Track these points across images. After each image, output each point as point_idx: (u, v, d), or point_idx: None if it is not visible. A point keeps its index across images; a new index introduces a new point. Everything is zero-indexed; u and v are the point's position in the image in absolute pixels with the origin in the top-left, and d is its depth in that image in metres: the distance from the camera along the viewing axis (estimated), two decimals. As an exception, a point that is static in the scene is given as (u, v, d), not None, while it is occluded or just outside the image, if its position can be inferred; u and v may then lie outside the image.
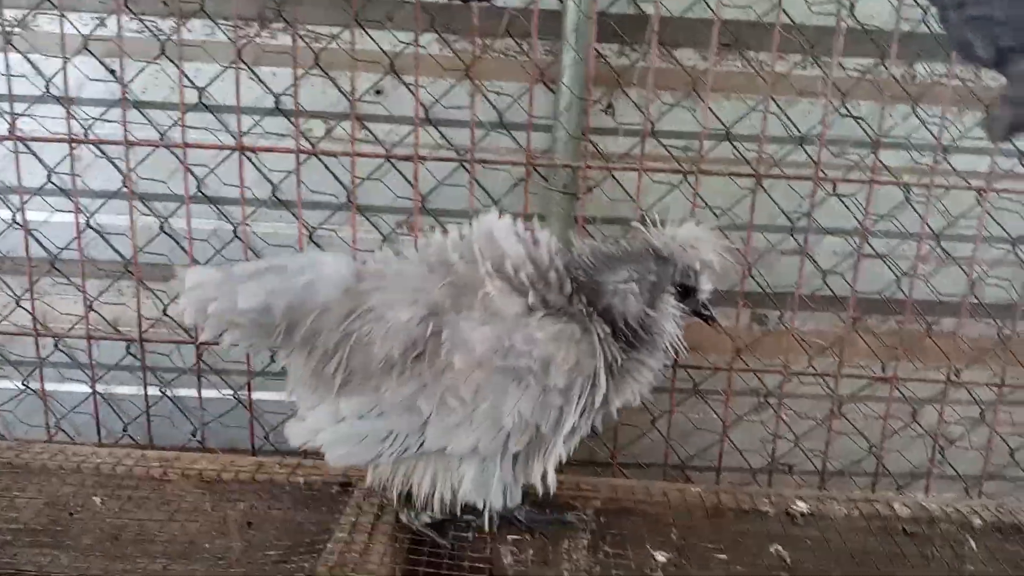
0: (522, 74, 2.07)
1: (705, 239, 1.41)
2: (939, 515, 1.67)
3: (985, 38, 0.71)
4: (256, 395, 2.23)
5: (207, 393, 2.08)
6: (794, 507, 1.67)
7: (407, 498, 1.52)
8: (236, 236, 2.05)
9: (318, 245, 2.08)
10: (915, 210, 2.02)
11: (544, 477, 1.45)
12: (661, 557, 1.50)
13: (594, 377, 1.36)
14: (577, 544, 1.57)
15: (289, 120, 2.05)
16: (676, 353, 1.45)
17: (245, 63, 1.96)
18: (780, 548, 1.54)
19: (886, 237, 2.06)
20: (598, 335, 1.37)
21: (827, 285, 2.00)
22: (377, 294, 1.39)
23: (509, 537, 1.56)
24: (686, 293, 1.43)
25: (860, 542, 1.60)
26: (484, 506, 1.46)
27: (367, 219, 2.12)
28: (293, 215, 2.09)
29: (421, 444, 1.38)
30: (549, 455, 1.43)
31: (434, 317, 1.34)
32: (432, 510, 1.48)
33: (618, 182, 2.03)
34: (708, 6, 1.98)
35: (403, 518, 1.55)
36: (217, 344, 1.45)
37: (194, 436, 2.16)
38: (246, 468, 1.71)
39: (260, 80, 2.02)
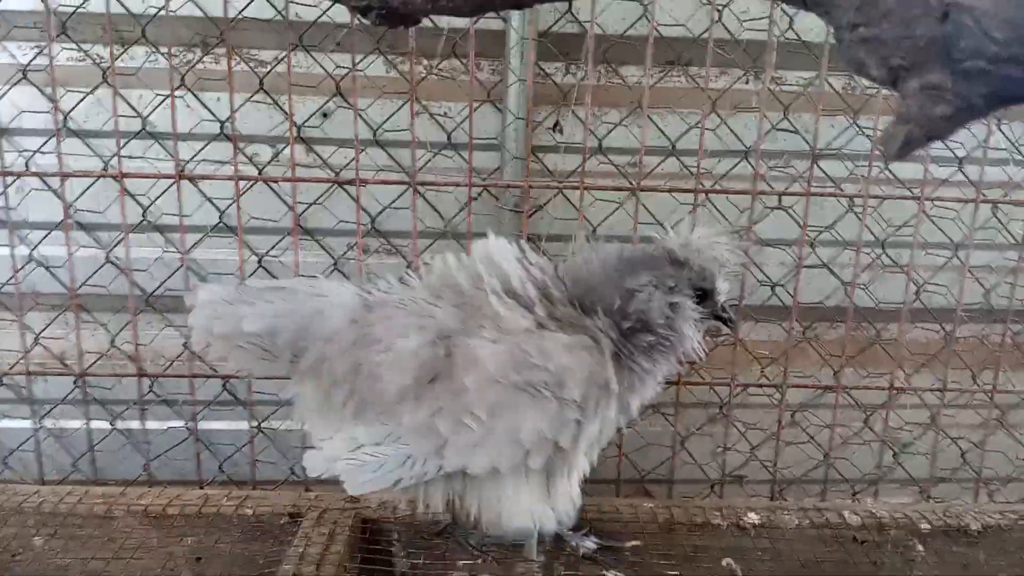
0: (467, 95, 2.08)
1: (720, 241, 1.41)
2: (888, 521, 1.68)
3: (877, 58, 0.73)
4: (208, 425, 2.20)
5: (157, 425, 2.04)
6: (746, 519, 1.67)
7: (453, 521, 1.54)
8: (182, 264, 2.03)
9: (268, 271, 2.06)
10: (859, 219, 2.06)
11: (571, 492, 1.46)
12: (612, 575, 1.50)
13: (607, 386, 1.36)
14: (531, 567, 1.56)
15: (235, 145, 2.05)
16: (695, 359, 1.45)
17: (189, 88, 1.95)
18: (732, 561, 1.55)
19: (832, 246, 2.08)
20: (610, 341, 1.36)
21: (776, 296, 2.02)
22: (384, 323, 1.38)
23: (460, 562, 1.55)
24: (704, 297, 1.42)
25: (811, 551, 1.61)
26: (536, 529, 1.46)
27: (318, 243, 2.11)
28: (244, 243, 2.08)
29: (440, 467, 1.37)
30: (572, 470, 1.43)
31: (444, 340, 1.34)
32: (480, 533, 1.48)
33: (568, 199, 2.04)
34: (649, 22, 2.00)
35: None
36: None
37: (145, 470, 2.12)
38: (193, 502, 1.68)
39: (204, 105, 2.00)
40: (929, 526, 1.68)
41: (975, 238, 2.00)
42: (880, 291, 2.11)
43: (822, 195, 1.85)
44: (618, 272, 1.40)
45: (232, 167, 1.82)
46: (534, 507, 1.43)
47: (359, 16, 1.14)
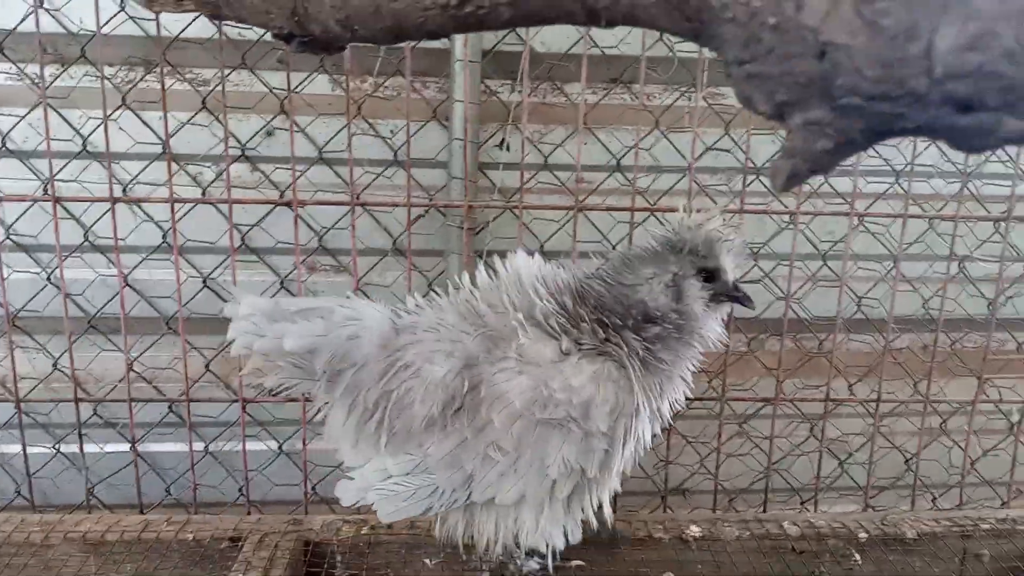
0: (415, 112, 2.09)
1: (715, 217, 1.39)
2: (827, 531, 1.71)
3: (763, 93, 0.75)
4: (157, 448, 2.18)
5: (100, 449, 2.01)
6: (688, 532, 1.69)
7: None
8: (127, 284, 2.01)
9: (214, 292, 2.05)
10: (801, 233, 2.10)
11: (600, 510, 1.46)
12: (554, 593, 1.51)
13: (636, 411, 1.36)
14: (477, 585, 1.56)
15: (169, 165, 2.04)
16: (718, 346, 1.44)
17: (129, 107, 1.94)
18: (672, 575, 1.56)
19: (770, 260, 2.12)
20: (635, 356, 1.36)
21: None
22: (413, 348, 1.39)
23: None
24: (711, 277, 1.40)
25: (751, 563, 1.64)
26: (547, 548, 1.47)
27: (263, 261, 2.10)
28: (187, 261, 2.07)
29: (468, 496, 1.38)
30: (602, 491, 1.43)
31: (470, 369, 1.35)
32: (501, 554, 1.49)
33: (516, 216, 2.05)
34: (595, 44, 2.02)
35: (511, 567, 1.56)
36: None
37: (91, 493, 2.09)
38: (132, 527, 1.66)
39: (146, 124, 1.99)
40: (867, 535, 1.72)
41: (910, 251, 2.04)
42: (823, 303, 2.15)
43: (754, 212, 1.87)
44: (624, 275, 1.41)
45: (183, 186, 1.80)
46: (550, 529, 1.43)
47: (282, 43, 1.14)
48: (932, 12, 0.65)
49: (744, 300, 1.42)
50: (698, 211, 1.40)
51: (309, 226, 2.08)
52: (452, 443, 1.35)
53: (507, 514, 1.41)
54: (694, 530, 1.70)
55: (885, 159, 2.03)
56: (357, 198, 2.02)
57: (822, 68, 0.70)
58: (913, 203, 2.11)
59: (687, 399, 1.90)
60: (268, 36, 1.87)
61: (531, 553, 1.56)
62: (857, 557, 1.67)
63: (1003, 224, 1.94)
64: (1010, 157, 1.98)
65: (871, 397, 1.87)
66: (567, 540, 1.47)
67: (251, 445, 2.15)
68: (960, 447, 2.03)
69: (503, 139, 2.14)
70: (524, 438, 1.32)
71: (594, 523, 1.47)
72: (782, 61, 0.72)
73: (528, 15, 0.90)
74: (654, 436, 1.45)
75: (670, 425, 2.07)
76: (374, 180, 2.05)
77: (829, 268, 2.13)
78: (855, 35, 0.67)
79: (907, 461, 2.22)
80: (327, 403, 1.46)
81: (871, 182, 2.13)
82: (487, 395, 1.33)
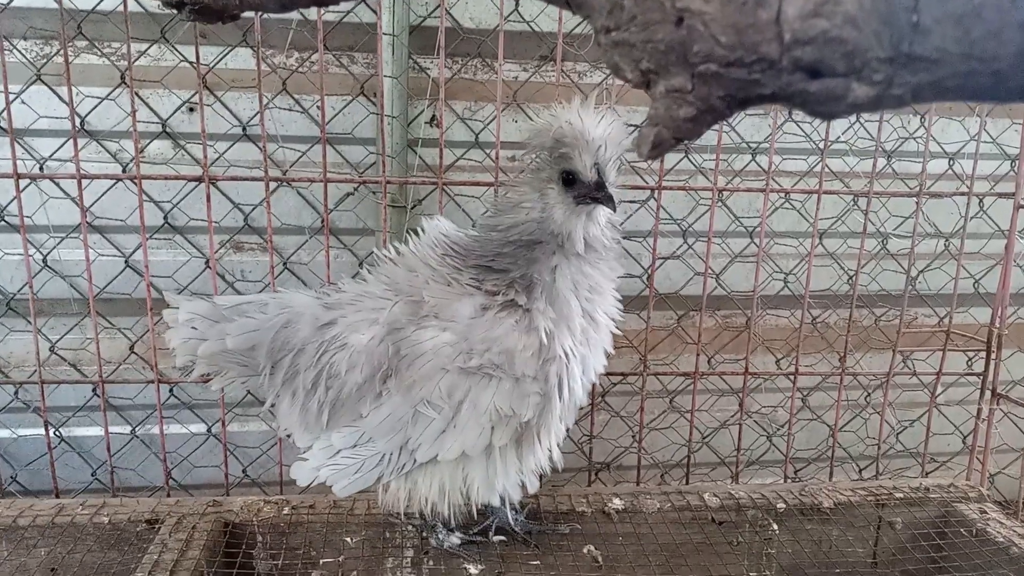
0: (343, 88, 2.06)
1: (585, 110, 1.27)
2: (746, 502, 1.74)
3: (629, 61, 0.74)
4: (79, 431, 2.14)
5: (24, 433, 1.97)
6: (610, 505, 1.71)
7: (428, 519, 1.56)
8: (46, 264, 1.96)
9: (135, 270, 2.00)
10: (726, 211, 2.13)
11: (551, 455, 1.46)
12: (474, 569, 1.51)
13: (565, 355, 1.35)
14: (402, 562, 1.56)
15: (99, 143, 1.99)
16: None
17: (44, 83, 1.88)
18: (593, 548, 1.58)
19: (693, 237, 2.14)
20: (539, 301, 1.34)
21: (645, 284, 2.05)
22: (341, 322, 1.40)
23: (323, 561, 1.54)
24: (571, 180, 1.30)
25: (672, 534, 1.66)
26: (503, 502, 1.49)
27: (188, 241, 2.06)
28: (108, 241, 2.02)
29: (414, 459, 1.39)
30: (548, 436, 1.43)
31: (394, 334, 1.35)
32: (450, 521, 1.50)
33: (449, 195, 2.04)
34: (523, 20, 2.01)
35: (433, 542, 1.58)
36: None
37: (14, 479, 2.05)
38: (45, 512, 1.62)
39: (62, 100, 1.92)
40: (785, 505, 1.76)
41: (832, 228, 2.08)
42: (747, 280, 2.18)
43: (672, 189, 1.88)
44: (507, 204, 1.39)
45: (93, 164, 1.75)
46: (503, 482, 1.44)
47: (172, 10, 1.11)
48: (781, -22, 0.65)
49: (604, 200, 1.29)
50: (561, 106, 1.30)
51: (236, 205, 2.04)
52: (387, 408, 1.37)
53: (455, 473, 1.42)
54: (616, 503, 1.72)
55: (806, 134, 2.05)
56: (284, 175, 1.99)
57: (680, 35, 0.70)
58: (836, 179, 2.15)
59: (608, 375, 1.93)
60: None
61: (451, 528, 1.58)
62: (775, 527, 1.71)
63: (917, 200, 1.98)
64: (923, 134, 2.02)
65: (790, 371, 1.90)
66: (525, 491, 1.49)
67: (178, 428, 2.12)
68: (880, 418, 2.08)
69: (432, 116, 2.12)
70: (454, 392, 1.34)
71: (547, 467, 1.47)
72: (643, 28, 0.72)
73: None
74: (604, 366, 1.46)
75: (601, 399, 2.12)
76: (300, 157, 2.02)
77: (756, 244, 2.15)
78: (709, 1, 0.67)
79: (831, 434, 2.28)
80: (276, 393, 1.47)
81: (793, 160, 2.16)
82: (409, 354, 1.34)
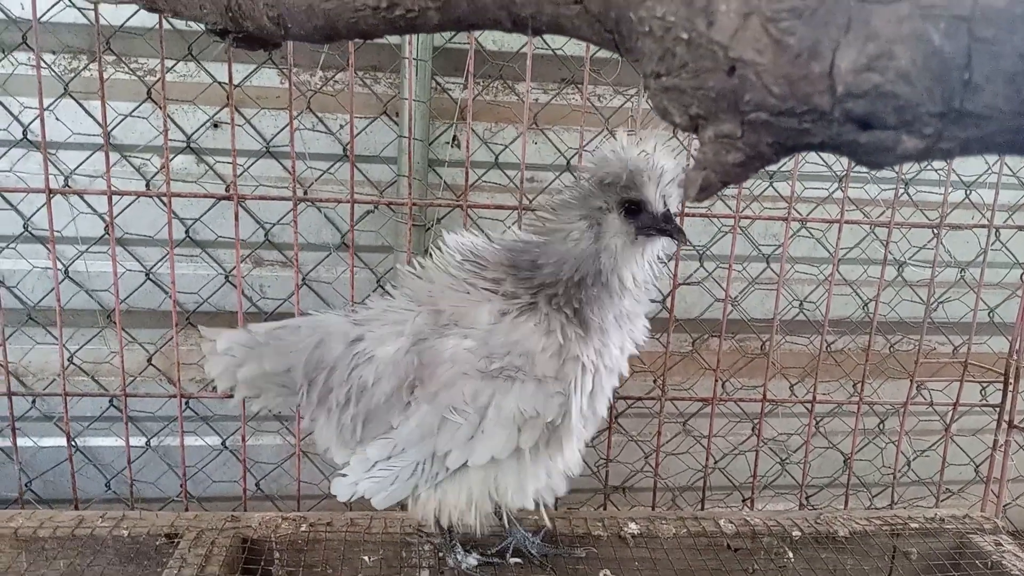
0: (366, 108, 2.08)
1: (647, 143, 1.26)
2: (762, 529, 1.75)
3: (678, 106, 0.76)
4: (94, 442, 2.15)
5: (42, 443, 1.97)
6: (626, 529, 1.71)
7: (449, 537, 1.57)
8: (67, 276, 1.97)
9: (158, 284, 2.02)
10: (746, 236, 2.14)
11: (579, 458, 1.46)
12: (491, 591, 1.52)
13: (578, 359, 1.35)
14: (417, 581, 1.56)
15: (124, 157, 2.00)
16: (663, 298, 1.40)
17: (72, 96, 1.90)
18: (608, 573, 1.58)
19: (712, 261, 2.15)
20: (563, 317, 1.34)
21: (663, 307, 2.06)
22: (369, 337, 1.42)
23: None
24: (635, 210, 1.28)
25: (688, 560, 1.66)
26: (537, 505, 1.47)
27: (208, 255, 2.07)
28: (129, 254, 2.03)
29: (446, 467, 1.39)
30: (570, 440, 1.42)
31: (419, 344, 1.37)
32: (475, 533, 1.48)
33: (468, 214, 2.06)
34: (547, 44, 2.03)
35: (450, 562, 1.57)
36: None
37: (28, 487, 2.05)
38: (65, 524, 1.63)
39: (89, 114, 1.94)
40: (800, 533, 1.76)
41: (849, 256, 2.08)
42: (767, 305, 2.19)
43: (693, 216, 1.90)
44: (550, 225, 1.36)
45: (117, 178, 1.77)
46: (535, 486, 1.44)
47: (216, 38, 1.13)
48: (835, 32, 0.66)
49: (675, 233, 1.28)
50: (628, 136, 1.29)
51: (257, 220, 2.06)
52: (415, 418, 1.38)
53: (487, 480, 1.42)
54: (632, 527, 1.72)
55: (827, 164, 2.07)
56: (305, 193, 2.01)
57: (732, 83, 0.71)
58: (855, 208, 2.16)
59: (624, 399, 1.94)
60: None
61: (468, 549, 1.58)
62: (790, 554, 1.71)
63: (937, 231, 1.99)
64: (943, 167, 2.04)
65: (807, 398, 1.91)
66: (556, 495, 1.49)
67: (194, 440, 2.13)
68: (895, 446, 2.08)
69: (454, 136, 2.14)
70: (478, 397, 1.34)
71: (573, 473, 1.47)
72: (695, 75, 0.73)
73: (457, 20, 0.90)
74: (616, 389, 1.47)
75: (615, 421, 2.12)
76: (321, 175, 2.04)
77: (773, 271, 2.17)
78: (762, 52, 0.69)
79: (845, 461, 2.28)
80: (312, 412, 1.49)
81: (811, 188, 2.17)
82: (432, 362, 1.36)
